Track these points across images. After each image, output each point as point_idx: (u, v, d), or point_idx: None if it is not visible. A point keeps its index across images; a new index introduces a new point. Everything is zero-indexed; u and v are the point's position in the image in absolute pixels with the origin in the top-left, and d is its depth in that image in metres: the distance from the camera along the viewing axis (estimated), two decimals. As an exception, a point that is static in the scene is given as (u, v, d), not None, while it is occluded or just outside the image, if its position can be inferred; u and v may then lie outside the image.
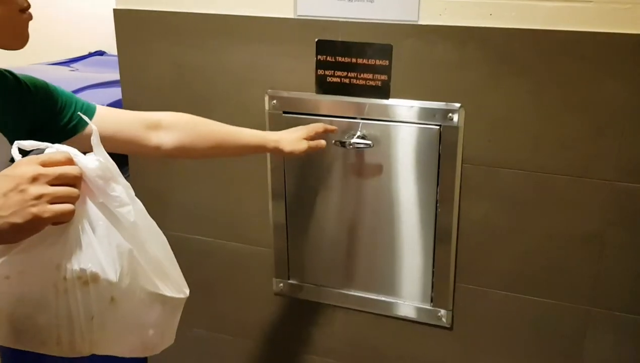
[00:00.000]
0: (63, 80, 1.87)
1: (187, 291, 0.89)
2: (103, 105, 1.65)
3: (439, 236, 1.40)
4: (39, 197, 0.68)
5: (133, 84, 1.57)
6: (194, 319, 1.74)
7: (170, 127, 1.18)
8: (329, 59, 1.36)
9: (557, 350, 1.40)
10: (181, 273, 0.88)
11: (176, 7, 1.45)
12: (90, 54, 2.35)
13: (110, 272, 0.75)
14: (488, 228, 1.37)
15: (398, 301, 1.49)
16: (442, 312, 1.46)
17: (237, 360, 1.74)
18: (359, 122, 1.37)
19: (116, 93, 1.67)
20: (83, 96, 1.70)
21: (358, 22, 1.32)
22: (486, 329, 1.45)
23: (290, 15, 1.36)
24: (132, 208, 0.78)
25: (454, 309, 1.46)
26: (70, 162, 0.71)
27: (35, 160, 0.69)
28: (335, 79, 1.38)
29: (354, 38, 1.33)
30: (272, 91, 1.43)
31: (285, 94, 1.42)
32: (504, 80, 1.26)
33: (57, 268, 0.74)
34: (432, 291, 1.45)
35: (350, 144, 1.36)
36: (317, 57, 1.37)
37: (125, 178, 1.83)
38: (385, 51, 1.31)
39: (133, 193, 0.80)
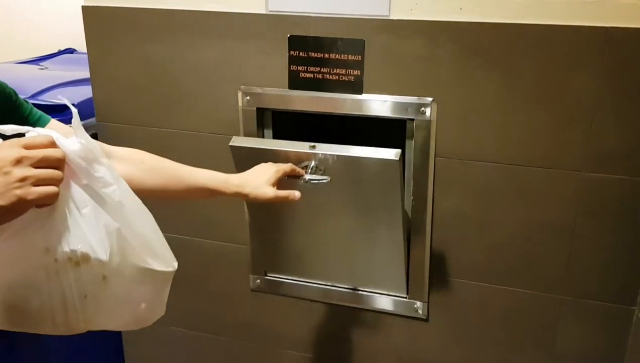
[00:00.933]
0: (32, 78, 1.84)
1: (176, 264, 0.91)
2: (74, 103, 1.63)
3: (414, 229, 1.41)
4: (23, 179, 0.68)
5: (103, 82, 1.55)
6: (171, 317, 1.73)
7: (121, 159, 1.10)
8: (301, 54, 1.36)
9: (531, 339, 1.43)
10: (169, 247, 0.91)
11: (145, 4, 1.43)
12: (60, 52, 2.31)
13: (100, 251, 0.77)
14: (462, 220, 1.38)
15: (374, 294, 1.50)
16: (418, 303, 1.48)
17: (215, 357, 1.74)
18: (316, 153, 1.27)
19: (87, 91, 1.64)
20: (53, 95, 1.69)
21: (330, 17, 1.32)
22: (462, 320, 1.47)
23: (262, 11, 1.36)
24: (116, 187, 0.79)
25: (429, 301, 1.47)
26: (53, 145, 0.71)
27: (18, 143, 0.69)
28: (308, 75, 1.38)
29: (326, 33, 1.33)
30: (245, 88, 1.42)
31: (258, 90, 1.42)
32: (474, 73, 1.27)
33: (46, 251, 0.75)
34: (407, 283, 1.46)
35: (306, 181, 1.27)
36: (289, 53, 1.37)
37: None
38: (358, 46, 1.32)
39: (117, 173, 0.81)
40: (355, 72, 1.34)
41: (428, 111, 1.31)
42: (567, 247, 1.33)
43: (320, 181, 1.27)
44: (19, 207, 0.68)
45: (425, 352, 1.52)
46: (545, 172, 1.29)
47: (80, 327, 0.82)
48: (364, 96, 1.35)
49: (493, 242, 1.38)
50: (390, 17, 1.28)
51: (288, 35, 1.36)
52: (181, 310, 1.71)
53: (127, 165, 1.11)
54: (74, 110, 0.75)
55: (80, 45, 2.26)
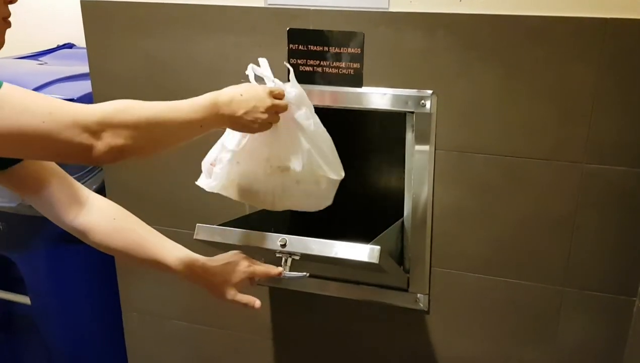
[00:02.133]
0: (31, 73, 1.84)
1: (343, 174, 1.20)
2: (73, 98, 1.64)
3: (414, 221, 1.41)
4: (268, 117, 1.07)
5: (103, 77, 1.55)
6: (173, 311, 1.74)
7: (95, 208, 1.13)
8: (300, 47, 1.36)
9: (532, 330, 1.43)
10: (340, 161, 1.21)
11: (145, -2, 1.43)
12: (59, 47, 2.31)
13: (297, 165, 1.13)
14: (462, 213, 1.38)
15: (376, 286, 1.50)
16: (419, 296, 1.48)
17: (218, 350, 1.74)
18: (287, 258, 1.19)
19: (86, 86, 1.64)
20: (52, 90, 1.68)
21: (329, 10, 1.32)
22: (463, 312, 1.47)
23: (261, 4, 1.36)
24: (312, 121, 1.15)
25: (430, 293, 1.47)
26: (283, 95, 1.11)
27: (269, 92, 1.08)
28: (307, 68, 1.37)
29: (326, 26, 1.33)
30: (245, 82, 1.42)
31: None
32: (474, 66, 1.27)
33: (267, 159, 1.15)
34: (408, 276, 1.47)
35: (284, 277, 1.18)
36: (289, 46, 1.37)
37: (98, 171, 1.81)
38: (357, 39, 1.32)
39: (313, 109, 1.16)
40: (355, 65, 1.34)
41: (428, 104, 1.31)
42: (568, 238, 1.33)
43: (298, 278, 1.18)
44: (256, 129, 1.07)
45: (426, 344, 1.53)
46: (546, 164, 1.29)
47: (279, 207, 1.20)
48: (363, 89, 1.35)
49: (494, 234, 1.38)
50: (390, 10, 1.28)
51: (287, 29, 1.35)
52: (184, 304, 1.71)
53: (97, 216, 1.12)
54: (291, 69, 1.15)
55: (80, 40, 2.26)
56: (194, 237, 1.26)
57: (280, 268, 1.17)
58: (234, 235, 1.24)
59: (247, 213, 1.53)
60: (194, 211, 1.60)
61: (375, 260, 1.13)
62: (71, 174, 1.61)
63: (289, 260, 1.19)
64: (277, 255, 1.19)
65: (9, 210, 1.71)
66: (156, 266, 1.16)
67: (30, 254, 1.77)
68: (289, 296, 1.60)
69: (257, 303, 1.17)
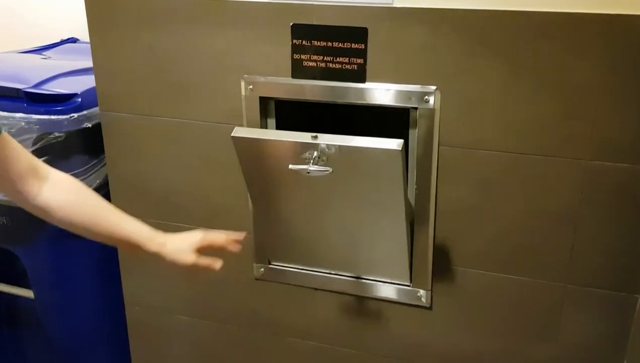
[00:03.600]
0: (35, 68, 1.84)
1: None
2: (77, 93, 1.65)
3: (417, 217, 1.41)
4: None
5: (107, 71, 1.55)
6: (176, 305, 1.74)
7: (56, 182, 1.12)
8: (304, 43, 1.36)
9: (535, 327, 1.43)
10: None
11: (149, -7, 1.43)
12: (62, 41, 2.31)
13: None
14: (465, 209, 1.38)
15: (378, 282, 1.51)
16: (422, 292, 1.48)
17: (220, 345, 1.75)
18: (318, 144, 1.27)
19: (90, 80, 1.65)
20: (55, 85, 1.69)
21: (333, 5, 1.31)
22: (465, 308, 1.47)
23: None
24: None
25: (432, 289, 1.48)
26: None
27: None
28: (311, 63, 1.37)
29: (330, 21, 1.33)
30: (248, 77, 1.42)
31: (261, 79, 1.42)
32: (478, 62, 1.27)
33: None
34: (411, 271, 1.47)
35: (308, 172, 1.27)
36: (292, 42, 1.37)
37: (101, 166, 1.82)
38: (361, 34, 1.31)
39: None
40: (359, 61, 1.34)
41: (431, 100, 1.31)
42: (571, 235, 1.33)
43: (322, 172, 1.26)
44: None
45: (428, 340, 1.53)
46: (549, 161, 1.29)
47: None
48: (367, 85, 1.35)
49: (496, 230, 1.38)
50: (394, 5, 1.28)
51: (291, 24, 1.35)
52: (186, 299, 1.72)
53: (61, 191, 1.12)
54: None
55: (83, 34, 2.26)
56: (232, 135, 1.31)
57: (242, 233, 1.28)
58: (269, 132, 1.38)
59: (249, 208, 1.54)
60: (196, 207, 1.60)
61: (399, 148, 1.20)
62: (73, 169, 1.63)
63: (315, 153, 1.26)
64: (305, 155, 1.27)
65: (13, 204, 1.71)
66: (119, 243, 1.18)
67: (34, 248, 1.77)
68: (291, 291, 1.60)
69: (219, 264, 1.20)
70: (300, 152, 1.28)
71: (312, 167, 1.26)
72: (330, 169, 1.26)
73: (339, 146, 1.25)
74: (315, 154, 1.26)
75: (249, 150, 1.32)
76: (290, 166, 1.28)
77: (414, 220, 1.42)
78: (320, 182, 1.29)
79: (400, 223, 1.34)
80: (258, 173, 1.38)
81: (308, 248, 1.53)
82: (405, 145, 1.27)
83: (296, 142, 1.28)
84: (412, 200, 1.41)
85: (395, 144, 1.21)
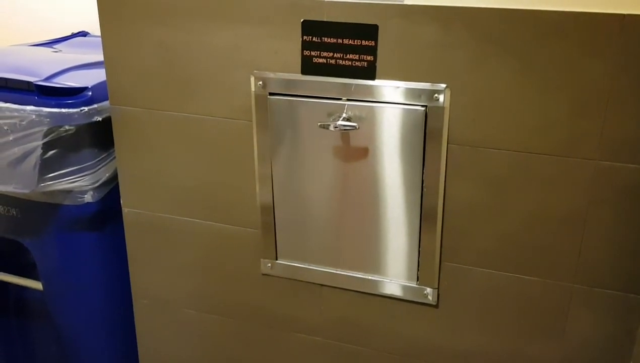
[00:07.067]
0: (46, 61, 1.85)
1: None
2: (88, 86, 1.66)
3: (425, 216, 1.41)
4: None
5: (117, 65, 1.55)
6: (184, 299, 1.75)
7: None
8: (314, 39, 1.36)
9: (541, 326, 1.43)
10: None
11: (160, -13, 1.43)
12: (73, 35, 2.32)
13: None
14: (473, 207, 1.38)
15: (384, 279, 1.51)
16: (428, 290, 1.48)
17: (227, 339, 1.76)
18: (345, 104, 1.36)
19: (101, 74, 1.65)
20: (66, 78, 1.70)
21: (344, 2, 1.31)
22: (471, 306, 1.47)
23: (276, -5, 1.36)
24: None
25: (439, 287, 1.48)
26: None
27: None
28: (321, 60, 1.37)
29: (340, 18, 1.33)
30: (258, 72, 1.42)
31: (271, 75, 1.42)
32: (489, 60, 1.26)
33: None
34: (418, 269, 1.47)
35: (336, 126, 1.36)
36: (302, 38, 1.37)
37: (111, 160, 1.83)
38: (371, 31, 1.31)
39: None
40: (369, 58, 1.34)
41: (441, 98, 1.31)
42: (579, 235, 1.33)
43: (349, 128, 1.37)
44: None
45: (434, 338, 1.53)
46: (559, 160, 1.29)
47: None
48: (377, 82, 1.35)
49: (504, 230, 1.38)
50: (405, 2, 1.28)
51: (301, 20, 1.35)
52: (193, 293, 1.73)
53: None
54: None
55: (94, 28, 2.27)
56: (267, 96, 1.40)
57: None
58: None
59: (258, 204, 1.54)
60: (205, 201, 1.61)
61: (422, 108, 1.30)
62: (82, 162, 1.64)
63: (346, 106, 1.36)
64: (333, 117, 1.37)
65: (23, 196, 1.72)
66: None
67: (43, 240, 1.79)
68: (297, 287, 1.60)
69: None
70: (331, 113, 1.36)
71: (340, 123, 1.36)
72: (356, 125, 1.35)
73: (366, 106, 1.33)
74: (344, 115, 1.36)
75: (281, 111, 1.41)
76: (319, 123, 1.37)
77: (422, 218, 1.41)
78: (342, 153, 1.40)
79: (415, 209, 1.39)
80: (285, 139, 1.44)
81: (316, 245, 1.53)
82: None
83: (325, 103, 1.37)
84: (420, 198, 1.40)
85: (419, 106, 1.30)
